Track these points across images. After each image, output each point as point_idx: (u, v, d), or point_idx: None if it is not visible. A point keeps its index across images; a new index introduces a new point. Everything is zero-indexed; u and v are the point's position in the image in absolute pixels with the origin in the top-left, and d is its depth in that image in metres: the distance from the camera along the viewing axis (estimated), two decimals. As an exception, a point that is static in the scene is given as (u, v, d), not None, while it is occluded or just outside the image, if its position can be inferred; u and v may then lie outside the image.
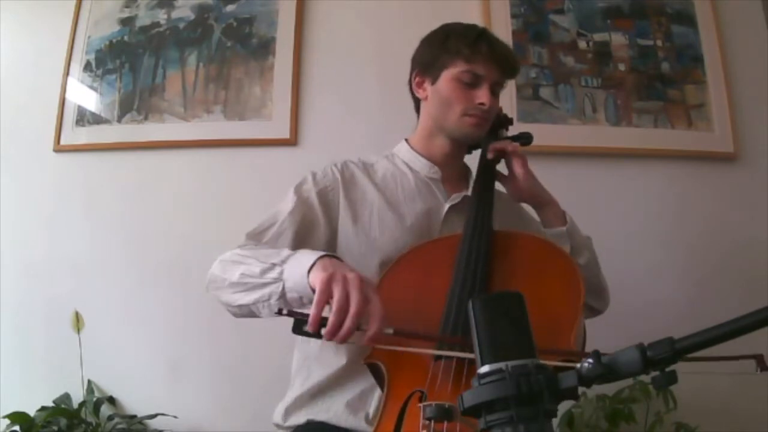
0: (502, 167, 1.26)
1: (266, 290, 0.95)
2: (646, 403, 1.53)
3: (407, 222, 1.17)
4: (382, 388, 0.95)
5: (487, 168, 1.24)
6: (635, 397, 1.52)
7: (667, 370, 0.48)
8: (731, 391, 1.65)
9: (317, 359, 1.14)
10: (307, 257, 0.93)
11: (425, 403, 0.81)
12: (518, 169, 1.21)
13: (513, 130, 1.35)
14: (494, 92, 1.19)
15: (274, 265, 0.95)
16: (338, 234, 1.17)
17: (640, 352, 0.48)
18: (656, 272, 1.78)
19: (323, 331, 0.85)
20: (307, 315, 0.85)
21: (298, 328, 0.86)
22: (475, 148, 1.31)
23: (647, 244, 1.80)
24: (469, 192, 1.22)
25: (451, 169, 1.26)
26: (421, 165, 1.25)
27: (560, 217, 1.20)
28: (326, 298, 0.84)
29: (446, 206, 1.19)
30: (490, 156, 1.23)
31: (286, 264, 0.94)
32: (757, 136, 1.91)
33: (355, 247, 1.15)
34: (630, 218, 1.82)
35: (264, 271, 0.96)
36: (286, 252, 0.98)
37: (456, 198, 1.20)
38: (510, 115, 1.36)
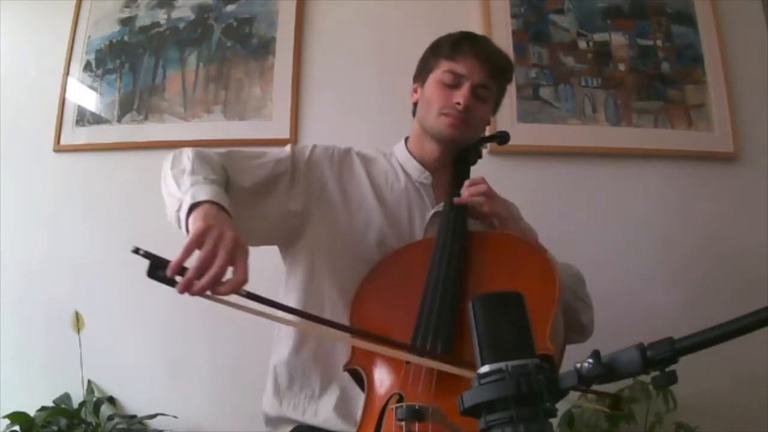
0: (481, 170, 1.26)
1: (176, 197, 0.96)
2: (646, 403, 1.53)
3: (391, 223, 1.17)
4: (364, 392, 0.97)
5: (461, 169, 1.24)
6: (635, 397, 1.52)
7: (667, 370, 0.48)
8: (731, 391, 1.65)
9: (286, 349, 1.15)
10: (201, 193, 0.92)
11: (396, 405, 0.82)
12: (496, 209, 1.15)
13: (512, 131, 1.35)
14: (478, 95, 1.18)
15: (191, 180, 0.95)
16: (317, 215, 1.16)
17: (640, 352, 0.48)
18: (656, 272, 1.78)
19: (178, 279, 0.83)
20: (167, 260, 0.84)
21: (153, 272, 0.83)
22: (464, 153, 1.28)
23: (647, 244, 1.80)
24: None
25: (443, 174, 1.24)
26: (413, 168, 1.24)
27: None
28: (194, 248, 0.83)
29: (431, 212, 1.19)
30: (462, 199, 1.16)
31: (193, 187, 0.94)
32: (757, 136, 1.91)
33: (341, 235, 1.16)
34: (630, 218, 1.82)
35: (183, 180, 0.97)
36: (213, 176, 0.98)
37: (441, 206, 1.19)
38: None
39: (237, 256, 0.84)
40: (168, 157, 1.07)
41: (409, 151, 1.27)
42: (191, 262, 0.85)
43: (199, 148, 1.06)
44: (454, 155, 1.25)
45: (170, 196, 1.00)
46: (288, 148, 1.20)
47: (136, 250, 0.85)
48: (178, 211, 0.95)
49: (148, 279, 1.93)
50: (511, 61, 1.26)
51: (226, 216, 0.91)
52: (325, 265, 1.15)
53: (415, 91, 1.28)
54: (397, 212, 1.19)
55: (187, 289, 0.83)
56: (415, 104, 1.28)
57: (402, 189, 1.22)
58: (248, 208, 1.09)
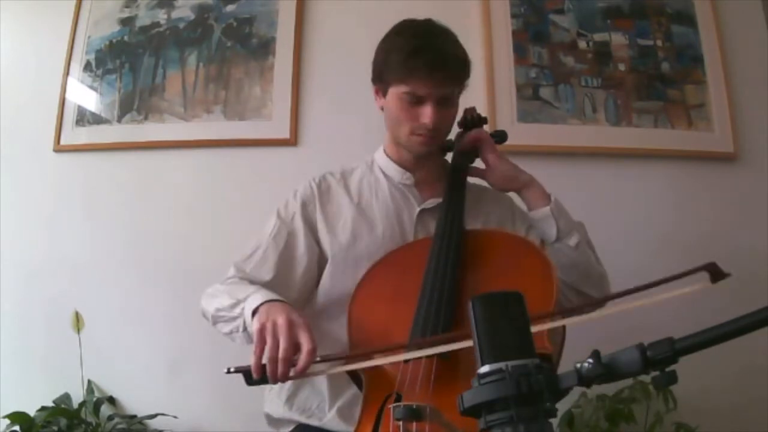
0: (479, 162, 1.27)
1: (235, 323, 1.05)
2: (646, 403, 1.53)
3: (379, 230, 1.18)
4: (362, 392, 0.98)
5: (457, 167, 1.24)
6: (635, 397, 1.52)
7: (667, 370, 0.48)
8: (731, 390, 1.65)
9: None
10: (252, 302, 1.01)
11: (394, 405, 0.82)
12: (488, 154, 1.23)
13: (511, 131, 1.36)
14: (442, 104, 1.15)
15: (238, 301, 1.04)
16: (321, 246, 1.20)
17: (640, 352, 0.48)
18: (656, 272, 1.76)
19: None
20: (249, 366, 0.92)
21: (249, 380, 0.93)
22: (450, 149, 1.31)
23: (647, 244, 1.80)
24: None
25: (425, 171, 1.26)
26: (394, 171, 1.26)
27: (544, 197, 1.18)
28: (262, 347, 0.92)
29: (417, 210, 1.21)
30: (463, 148, 1.24)
31: (245, 302, 1.02)
32: (757, 136, 1.91)
33: (334, 259, 1.18)
34: (630, 218, 1.82)
35: (232, 306, 1.06)
36: (249, 290, 1.06)
37: (430, 203, 1.21)
38: (484, 115, 1.36)
39: (297, 334, 0.92)
40: (205, 298, 1.15)
41: (388, 156, 1.28)
42: None
43: (218, 286, 1.14)
44: (448, 161, 1.28)
45: (227, 323, 1.08)
46: (274, 218, 1.22)
47: (228, 371, 0.94)
48: (245, 329, 1.04)
49: (148, 279, 1.94)
50: (467, 58, 1.19)
51: (274, 305, 0.98)
52: (329, 291, 1.18)
53: (376, 92, 1.25)
54: (384, 217, 1.20)
55: (275, 380, 0.91)
56: (382, 108, 1.26)
57: (386, 194, 1.24)
58: (284, 292, 1.12)
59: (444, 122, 1.19)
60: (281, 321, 0.92)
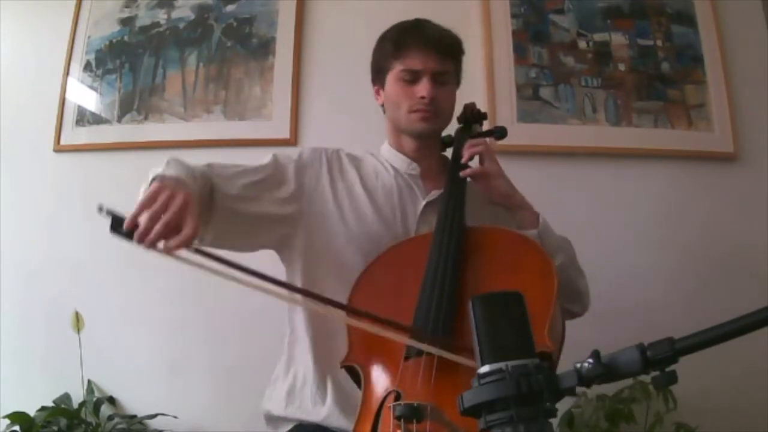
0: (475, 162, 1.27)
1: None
2: (646, 403, 1.53)
3: (383, 217, 1.19)
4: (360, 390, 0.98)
5: (458, 163, 1.24)
6: (635, 397, 1.52)
7: (667, 370, 0.48)
8: (731, 391, 1.65)
9: (305, 353, 1.16)
10: (171, 168, 0.98)
11: (394, 403, 0.82)
12: (489, 165, 1.20)
13: (511, 131, 1.35)
14: (439, 81, 1.20)
15: (157, 171, 1.00)
16: (309, 217, 1.18)
17: (640, 352, 0.48)
18: (655, 272, 1.78)
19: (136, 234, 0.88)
20: (124, 216, 0.89)
21: (115, 228, 0.90)
22: (449, 145, 1.32)
23: (647, 244, 1.80)
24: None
25: (428, 163, 1.27)
26: (400, 162, 1.27)
27: (533, 219, 1.18)
28: (149, 205, 0.89)
29: (422, 203, 1.21)
30: (464, 160, 1.20)
31: (168, 163, 1.00)
32: (757, 136, 1.91)
33: (333, 232, 1.18)
34: (630, 218, 1.82)
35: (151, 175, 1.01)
36: (185, 161, 1.03)
37: (433, 195, 1.22)
38: (501, 112, 1.36)
39: (186, 214, 0.88)
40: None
41: (393, 147, 1.30)
42: None
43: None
44: (447, 157, 1.28)
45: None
46: (269, 157, 1.21)
47: (100, 209, 0.91)
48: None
49: (148, 279, 1.94)
50: (458, 37, 1.25)
51: (186, 184, 0.94)
52: (321, 266, 1.17)
53: (377, 92, 1.30)
54: (388, 205, 1.21)
55: (140, 240, 0.88)
56: (382, 105, 1.30)
57: (392, 183, 1.25)
58: (237, 214, 1.11)
59: (442, 100, 1.21)
60: (179, 198, 0.89)
